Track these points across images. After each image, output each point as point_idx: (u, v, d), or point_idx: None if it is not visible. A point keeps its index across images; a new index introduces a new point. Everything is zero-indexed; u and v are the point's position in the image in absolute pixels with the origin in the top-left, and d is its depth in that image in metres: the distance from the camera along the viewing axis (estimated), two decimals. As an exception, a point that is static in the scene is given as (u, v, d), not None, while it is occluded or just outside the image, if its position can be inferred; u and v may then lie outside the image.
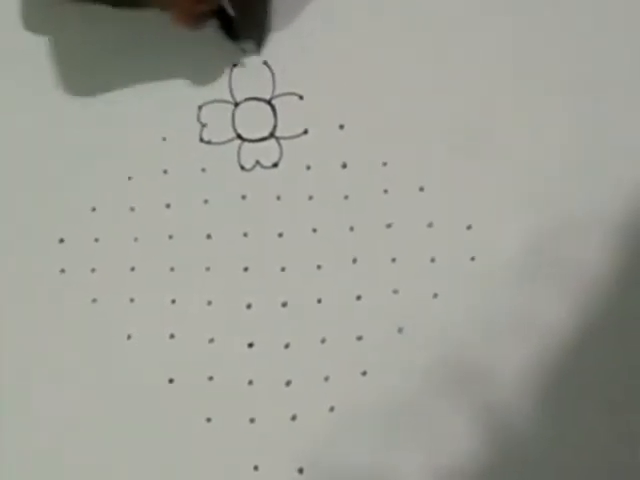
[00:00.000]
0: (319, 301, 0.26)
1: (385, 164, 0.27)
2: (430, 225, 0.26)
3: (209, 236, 0.27)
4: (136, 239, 0.27)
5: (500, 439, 0.24)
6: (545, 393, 0.24)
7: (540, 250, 0.25)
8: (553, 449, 0.24)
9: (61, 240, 0.28)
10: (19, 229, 0.28)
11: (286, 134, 0.28)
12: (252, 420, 0.25)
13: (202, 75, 0.28)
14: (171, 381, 0.26)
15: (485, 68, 0.27)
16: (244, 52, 0.27)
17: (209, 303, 0.27)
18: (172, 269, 0.27)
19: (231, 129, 0.28)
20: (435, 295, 0.26)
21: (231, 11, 0.27)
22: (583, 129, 0.26)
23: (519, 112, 0.27)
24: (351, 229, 0.27)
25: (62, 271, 0.27)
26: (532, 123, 0.26)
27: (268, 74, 0.28)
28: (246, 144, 0.28)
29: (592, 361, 0.24)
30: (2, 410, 0.26)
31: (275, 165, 0.28)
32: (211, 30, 0.28)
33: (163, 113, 0.28)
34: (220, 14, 0.26)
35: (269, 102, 0.28)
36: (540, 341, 0.25)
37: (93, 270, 0.27)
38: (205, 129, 0.28)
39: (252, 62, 0.28)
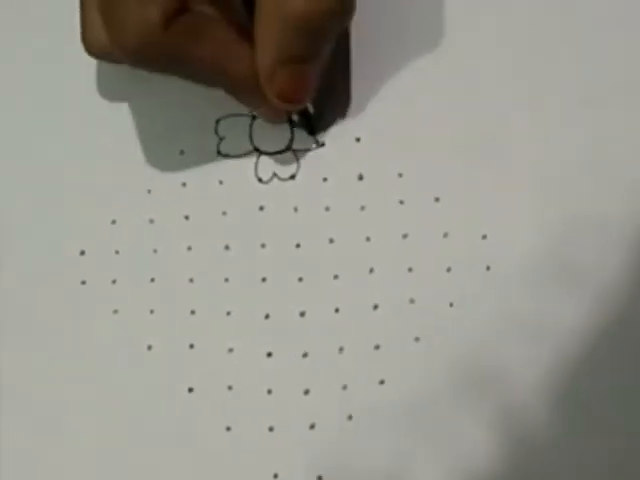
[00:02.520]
0: (336, 311, 0.26)
1: (401, 175, 0.27)
2: (446, 235, 0.26)
3: (227, 247, 0.28)
4: (155, 251, 0.28)
5: (519, 447, 0.24)
6: (563, 400, 0.24)
7: (555, 258, 0.25)
8: (571, 454, 0.24)
9: (82, 252, 0.28)
10: (41, 242, 0.29)
11: (303, 147, 0.28)
12: (271, 428, 0.26)
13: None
14: (191, 390, 0.26)
15: (500, 79, 0.27)
16: (316, 144, 0.28)
17: (228, 313, 0.27)
18: (191, 280, 0.27)
19: (248, 142, 0.29)
20: (451, 304, 0.26)
21: (312, 110, 0.28)
22: (598, 138, 0.26)
23: (534, 122, 0.27)
24: (367, 239, 0.27)
25: (83, 283, 0.28)
26: (547, 133, 0.27)
27: (284, 88, 0.29)
28: (263, 157, 0.28)
29: (609, 365, 0.24)
30: (21, 421, 0.27)
31: (292, 177, 0.28)
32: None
33: (182, 127, 0.29)
34: (301, 111, 0.27)
35: (286, 115, 0.29)
36: (557, 348, 0.25)
37: (114, 282, 0.28)
38: (223, 142, 0.29)
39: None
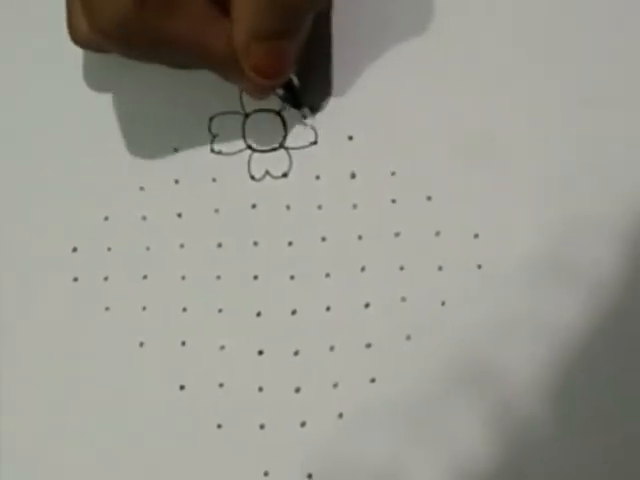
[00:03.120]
0: (328, 309, 0.26)
1: (393, 174, 0.27)
2: (437, 234, 0.26)
3: (220, 245, 0.28)
4: (148, 248, 0.28)
5: (512, 447, 0.24)
6: (557, 400, 0.24)
7: (548, 257, 0.26)
8: (568, 453, 0.24)
9: (74, 249, 0.28)
10: (33, 238, 0.29)
11: (295, 145, 0.28)
12: (262, 426, 0.26)
13: (213, 87, 0.29)
14: (182, 388, 0.26)
15: (495, 78, 0.27)
16: (304, 117, 0.28)
17: (220, 311, 0.27)
18: (183, 277, 0.27)
19: (241, 140, 0.29)
20: (443, 303, 0.26)
21: (297, 82, 0.27)
22: (596, 137, 0.26)
23: (529, 121, 0.27)
24: (359, 238, 0.27)
25: (75, 279, 0.28)
26: (542, 132, 0.27)
27: (278, 86, 0.29)
28: (256, 154, 0.28)
29: (605, 364, 0.24)
30: (13, 419, 0.27)
31: (285, 175, 0.28)
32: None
33: (175, 124, 0.29)
34: (285, 85, 0.27)
35: (279, 113, 0.29)
36: (550, 346, 0.25)
37: (106, 279, 0.28)
38: (216, 140, 0.29)
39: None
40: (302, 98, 0.28)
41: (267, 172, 0.28)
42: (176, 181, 0.28)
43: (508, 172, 0.26)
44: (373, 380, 0.26)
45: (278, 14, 0.25)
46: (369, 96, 0.28)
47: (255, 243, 0.27)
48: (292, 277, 0.27)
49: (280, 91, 0.28)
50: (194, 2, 0.25)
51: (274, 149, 0.28)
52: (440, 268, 0.26)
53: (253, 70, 0.25)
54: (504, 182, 0.26)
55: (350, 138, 0.28)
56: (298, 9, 0.25)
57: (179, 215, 0.28)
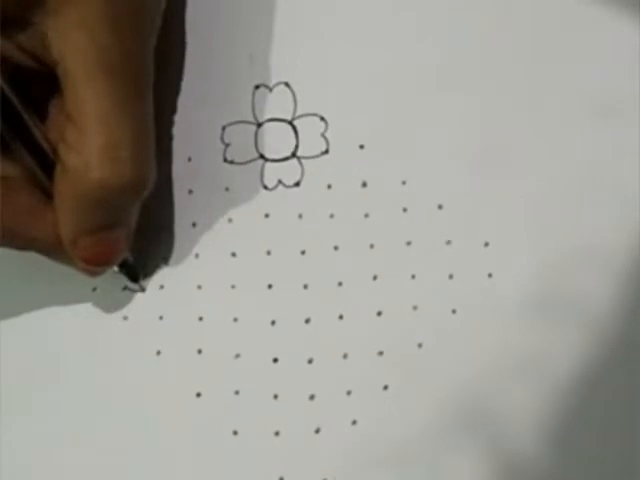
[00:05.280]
0: (341, 317, 0.27)
1: (404, 183, 0.28)
2: (448, 242, 0.27)
3: (234, 254, 0.28)
4: (164, 258, 0.28)
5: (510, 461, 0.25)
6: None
7: (555, 266, 0.26)
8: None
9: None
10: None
11: (307, 154, 0.28)
12: (277, 433, 0.26)
13: (226, 97, 0.29)
14: (198, 395, 0.27)
15: (505, 86, 0.28)
16: (141, 290, 0.28)
17: (235, 320, 0.27)
18: (199, 287, 0.28)
19: (254, 149, 0.29)
20: (454, 311, 0.26)
21: (131, 259, 0.27)
22: (603, 149, 0.27)
23: (539, 131, 0.27)
24: (371, 246, 0.27)
25: (94, 289, 0.29)
26: (550, 141, 0.27)
27: (289, 95, 0.29)
28: (268, 164, 0.29)
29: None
30: (30, 425, 0.28)
31: (297, 184, 0.28)
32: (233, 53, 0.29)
33: (188, 134, 0.29)
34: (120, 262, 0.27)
35: (290, 123, 0.29)
36: (560, 354, 0.25)
37: (124, 288, 0.28)
38: (229, 149, 0.29)
39: (273, 84, 0.29)
40: (138, 271, 0.28)
41: (280, 181, 0.29)
42: (190, 191, 0.29)
43: (519, 180, 0.27)
44: (386, 387, 0.26)
45: (101, 210, 0.24)
46: (380, 106, 0.28)
47: (268, 252, 0.28)
48: (305, 286, 0.27)
49: (115, 268, 0.27)
50: (19, 193, 0.25)
51: (286, 158, 0.29)
52: (451, 276, 0.26)
53: (82, 261, 0.25)
54: (515, 191, 0.27)
55: (361, 147, 0.28)
56: (120, 204, 0.25)
57: (194, 225, 0.29)
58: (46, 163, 0.25)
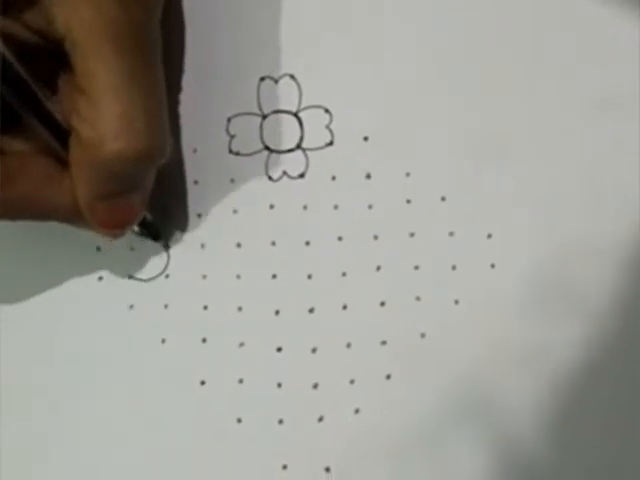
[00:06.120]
0: (344, 307, 0.27)
1: (408, 174, 0.28)
2: (451, 234, 0.27)
3: (239, 245, 0.28)
4: (170, 248, 0.29)
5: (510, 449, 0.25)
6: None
7: (557, 258, 0.26)
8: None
9: (98, 248, 0.29)
10: (58, 238, 0.29)
11: (312, 145, 0.29)
12: (281, 421, 0.26)
13: (231, 88, 0.30)
14: (203, 383, 0.27)
15: (505, 81, 0.28)
16: (166, 248, 0.29)
17: (239, 309, 0.28)
18: (204, 277, 0.28)
19: (259, 141, 0.29)
20: (456, 301, 0.26)
21: (150, 218, 0.28)
22: (603, 143, 0.27)
23: (544, 124, 0.27)
24: (375, 237, 0.28)
25: (100, 279, 0.29)
26: (552, 134, 0.27)
27: (295, 87, 0.29)
28: (273, 155, 0.29)
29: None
30: (40, 417, 0.28)
31: (302, 176, 0.29)
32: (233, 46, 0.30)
33: (194, 125, 0.30)
34: (139, 222, 0.27)
35: (295, 114, 0.29)
36: (562, 342, 0.25)
37: (130, 276, 0.29)
38: (234, 141, 0.29)
39: (279, 76, 0.29)
40: (159, 230, 0.28)
41: (284, 172, 0.29)
42: (195, 182, 0.29)
43: (522, 172, 0.27)
44: (388, 377, 0.26)
45: (116, 179, 0.25)
46: (384, 98, 0.28)
47: (273, 243, 0.28)
48: (309, 276, 0.28)
49: (135, 228, 0.28)
50: (34, 164, 0.25)
51: (291, 150, 0.29)
52: (454, 267, 0.27)
53: (100, 225, 0.26)
54: (517, 183, 0.27)
55: (366, 139, 0.28)
56: (138, 172, 0.25)
57: (199, 215, 0.29)
58: (60, 133, 0.25)
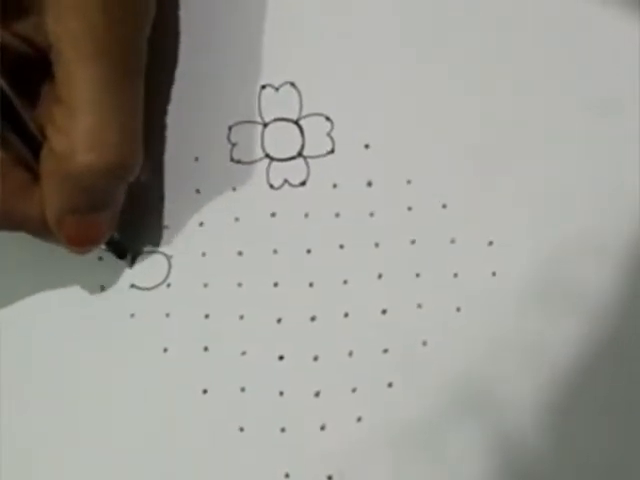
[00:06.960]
0: (346, 315, 0.27)
1: (409, 182, 0.28)
2: (453, 241, 0.27)
3: (240, 253, 0.28)
4: (171, 257, 0.29)
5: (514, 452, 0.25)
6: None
7: (559, 265, 0.26)
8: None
9: (100, 258, 0.29)
10: (60, 247, 0.29)
11: (313, 153, 0.29)
12: (283, 429, 0.26)
13: (232, 97, 0.30)
14: (205, 392, 0.27)
15: (505, 87, 0.28)
16: (130, 266, 0.29)
17: (241, 317, 0.28)
18: (205, 285, 0.28)
19: (260, 149, 0.29)
20: (458, 309, 0.26)
21: (117, 237, 0.28)
22: (603, 145, 0.27)
23: (539, 129, 0.27)
24: (376, 245, 0.28)
25: (102, 288, 0.29)
26: (552, 139, 0.27)
27: (295, 95, 0.29)
28: (275, 163, 0.29)
29: (606, 383, 0.25)
30: (40, 427, 0.28)
31: (303, 183, 0.29)
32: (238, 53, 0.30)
33: (195, 134, 0.30)
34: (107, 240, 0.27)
35: (296, 122, 0.29)
36: (561, 353, 0.25)
37: (131, 286, 0.29)
38: (235, 149, 0.29)
39: (279, 84, 0.29)
40: (126, 247, 0.28)
41: (286, 180, 0.29)
42: (197, 190, 0.29)
43: (522, 180, 0.27)
44: (390, 384, 0.26)
45: (86, 193, 0.24)
46: (385, 105, 0.28)
47: (274, 251, 0.28)
48: (311, 284, 0.28)
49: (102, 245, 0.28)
50: (8, 174, 0.25)
51: (292, 158, 0.29)
52: (455, 275, 0.27)
53: (67, 241, 0.26)
54: (518, 190, 0.27)
55: (367, 147, 0.28)
56: (106, 187, 0.25)
57: (201, 224, 0.29)
58: (33, 144, 0.25)
